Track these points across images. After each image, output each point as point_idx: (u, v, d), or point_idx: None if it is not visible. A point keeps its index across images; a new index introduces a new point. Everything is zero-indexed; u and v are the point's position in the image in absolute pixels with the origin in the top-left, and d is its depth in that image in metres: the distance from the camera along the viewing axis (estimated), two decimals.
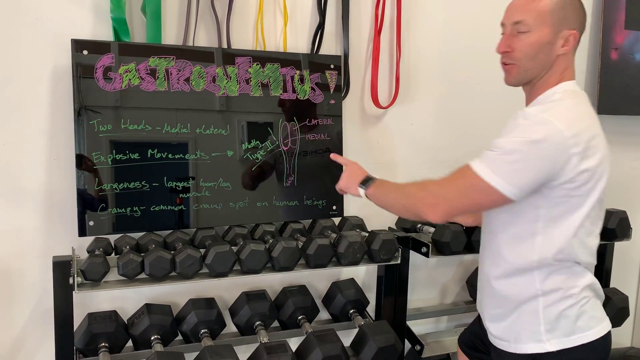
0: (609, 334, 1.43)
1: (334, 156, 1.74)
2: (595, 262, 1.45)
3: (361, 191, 1.54)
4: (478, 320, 1.67)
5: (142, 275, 1.63)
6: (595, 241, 1.43)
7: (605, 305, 1.52)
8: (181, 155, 1.80)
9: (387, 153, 2.18)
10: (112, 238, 1.75)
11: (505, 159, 1.29)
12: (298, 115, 1.94)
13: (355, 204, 2.11)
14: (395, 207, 1.52)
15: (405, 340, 2.05)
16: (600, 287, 1.46)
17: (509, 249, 1.42)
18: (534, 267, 1.39)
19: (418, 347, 2.04)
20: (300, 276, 2.06)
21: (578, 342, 1.38)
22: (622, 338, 2.81)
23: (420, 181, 1.44)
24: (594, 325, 1.41)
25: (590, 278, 1.42)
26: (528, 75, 1.43)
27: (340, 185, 1.62)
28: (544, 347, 1.39)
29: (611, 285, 2.32)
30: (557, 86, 1.41)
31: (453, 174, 1.38)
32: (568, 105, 1.36)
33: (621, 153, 2.64)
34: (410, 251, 1.96)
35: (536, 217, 1.36)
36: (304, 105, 1.94)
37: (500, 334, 1.49)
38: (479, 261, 1.57)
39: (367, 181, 1.54)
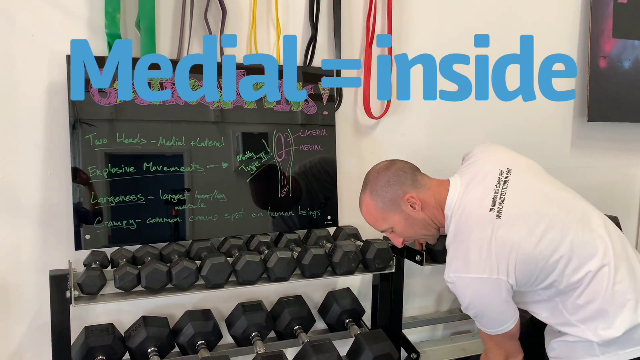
0: None
1: None
2: None
3: None
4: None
5: (139, 288, 1.64)
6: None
7: None
8: (176, 167, 1.81)
9: None
10: (108, 251, 1.75)
11: None
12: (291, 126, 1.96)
13: (350, 214, 2.12)
14: None
15: (402, 348, 2.06)
16: None
17: None
18: None
19: (414, 356, 2.05)
20: (296, 286, 2.07)
21: (632, 355, 1.40)
22: None
23: None
24: None
25: None
26: (432, 233, 1.65)
27: None
28: None
29: None
30: (451, 224, 1.54)
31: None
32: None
33: (612, 159, 2.67)
34: (405, 260, 1.97)
35: None
36: (297, 116, 1.97)
37: (557, 354, 1.53)
38: None
39: None
